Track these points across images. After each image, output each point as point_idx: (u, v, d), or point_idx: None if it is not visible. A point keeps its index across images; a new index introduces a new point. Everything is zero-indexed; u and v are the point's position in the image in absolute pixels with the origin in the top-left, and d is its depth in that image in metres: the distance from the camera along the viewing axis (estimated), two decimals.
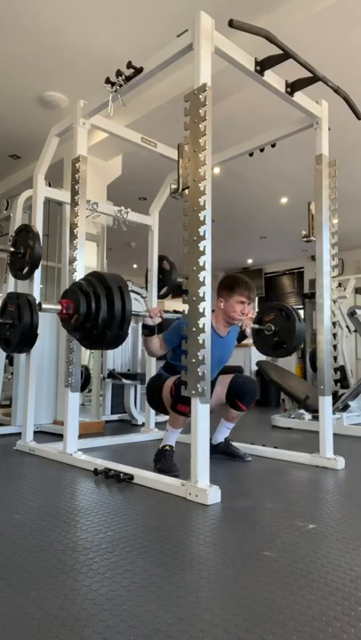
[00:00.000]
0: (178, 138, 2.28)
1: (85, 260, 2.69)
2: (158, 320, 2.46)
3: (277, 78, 2.41)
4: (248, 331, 2.86)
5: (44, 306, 2.18)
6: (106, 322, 2.07)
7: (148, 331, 2.48)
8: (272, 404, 6.68)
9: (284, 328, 3.01)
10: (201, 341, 1.91)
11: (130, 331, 4.80)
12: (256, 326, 3.01)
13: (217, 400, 2.69)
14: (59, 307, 2.16)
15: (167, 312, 2.65)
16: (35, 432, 3.19)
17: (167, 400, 2.51)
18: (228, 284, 2.62)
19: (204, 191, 1.95)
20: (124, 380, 4.33)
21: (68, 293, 2.20)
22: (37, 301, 2.23)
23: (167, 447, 2.47)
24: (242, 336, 2.88)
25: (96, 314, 2.08)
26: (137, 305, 5.12)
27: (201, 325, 1.92)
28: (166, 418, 2.65)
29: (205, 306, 1.93)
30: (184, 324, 1.99)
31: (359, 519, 1.69)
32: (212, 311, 2.62)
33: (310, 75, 2.35)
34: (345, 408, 4.18)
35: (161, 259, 3.85)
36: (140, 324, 4.87)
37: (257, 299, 9.20)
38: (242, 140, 3.11)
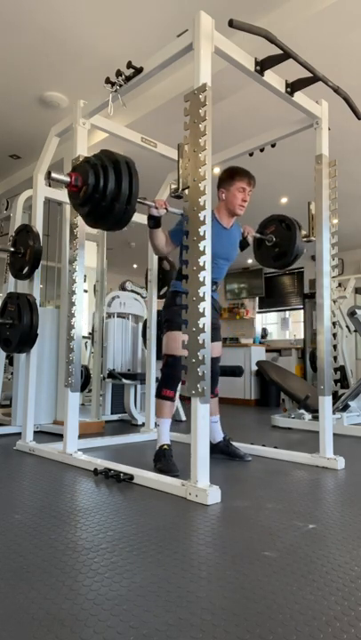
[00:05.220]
0: (178, 138, 2.27)
1: (85, 260, 2.69)
2: (163, 211, 2.41)
3: (277, 78, 2.41)
4: (250, 238, 2.92)
5: (53, 175, 2.14)
6: (114, 194, 2.06)
7: (154, 222, 2.46)
8: (272, 403, 6.69)
9: (285, 238, 2.97)
10: (201, 341, 1.91)
11: (130, 330, 4.85)
12: (258, 235, 3.03)
13: None
14: (67, 178, 2.14)
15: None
16: (35, 432, 3.19)
17: (165, 346, 2.57)
18: (227, 175, 2.68)
19: (204, 191, 1.95)
20: (124, 380, 4.33)
21: (77, 168, 2.18)
22: (49, 174, 2.10)
23: (165, 446, 2.48)
24: (244, 243, 2.93)
25: (105, 184, 2.06)
26: (137, 305, 5.12)
27: (201, 325, 1.92)
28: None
29: (205, 306, 1.93)
30: (186, 219, 2.01)
31: (359, 519, 1.70)
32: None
33: (310, 75, 2.35)
34: (345, 408, 4.18)
35: (161, 259, 3.86)
36: (141, 324, 4.91)
37: (257, 299, 9.19)
38: (242, 139, 3.11)
